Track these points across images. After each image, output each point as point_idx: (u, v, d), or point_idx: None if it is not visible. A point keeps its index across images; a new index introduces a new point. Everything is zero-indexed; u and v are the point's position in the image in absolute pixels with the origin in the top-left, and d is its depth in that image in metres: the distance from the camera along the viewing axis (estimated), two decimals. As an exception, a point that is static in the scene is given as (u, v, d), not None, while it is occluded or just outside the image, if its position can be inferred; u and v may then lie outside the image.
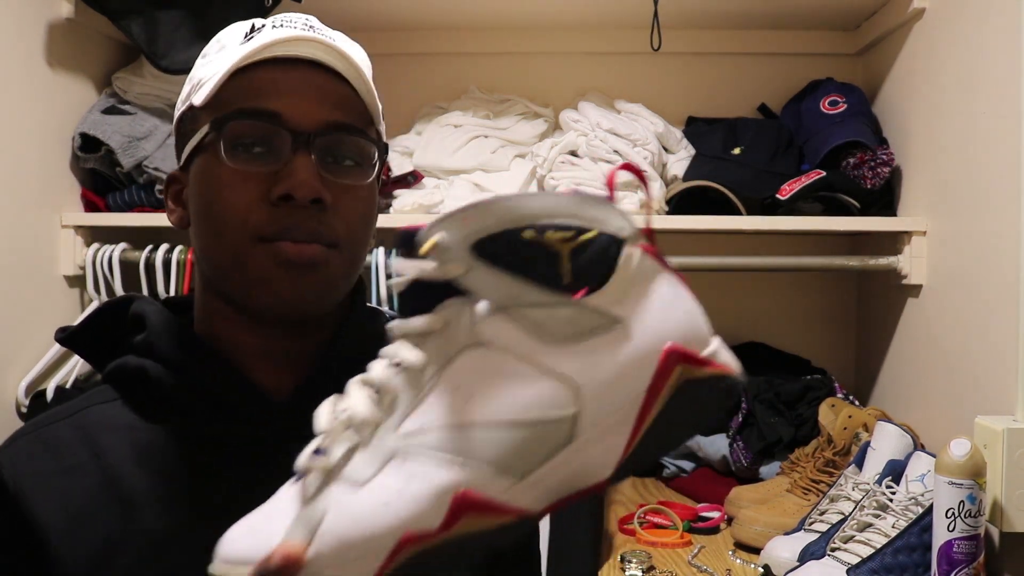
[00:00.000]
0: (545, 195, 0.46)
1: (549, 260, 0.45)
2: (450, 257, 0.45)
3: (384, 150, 0.74)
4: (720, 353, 0.49)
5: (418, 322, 0.47)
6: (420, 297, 0.47)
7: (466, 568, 0.48)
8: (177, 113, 0.76)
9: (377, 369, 0.48)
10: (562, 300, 0.45)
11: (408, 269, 0.46)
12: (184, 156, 0.73)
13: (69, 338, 0.78)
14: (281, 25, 0.72)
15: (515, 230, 0.45)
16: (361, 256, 0.74)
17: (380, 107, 0.75)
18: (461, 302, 0.46)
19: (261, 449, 0.69)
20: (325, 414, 0.48)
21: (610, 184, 0.49)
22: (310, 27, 0.73)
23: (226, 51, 0.72)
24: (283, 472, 0.69)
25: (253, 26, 0.73)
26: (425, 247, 0.45)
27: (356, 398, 0.48)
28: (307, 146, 0.68)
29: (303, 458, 0.48)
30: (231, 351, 0.72)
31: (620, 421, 0.46)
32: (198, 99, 0.70)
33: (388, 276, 1.56)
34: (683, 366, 0.47)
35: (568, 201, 0.46)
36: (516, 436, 0.45)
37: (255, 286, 0.68)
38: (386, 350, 0.48)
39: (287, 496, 0.47)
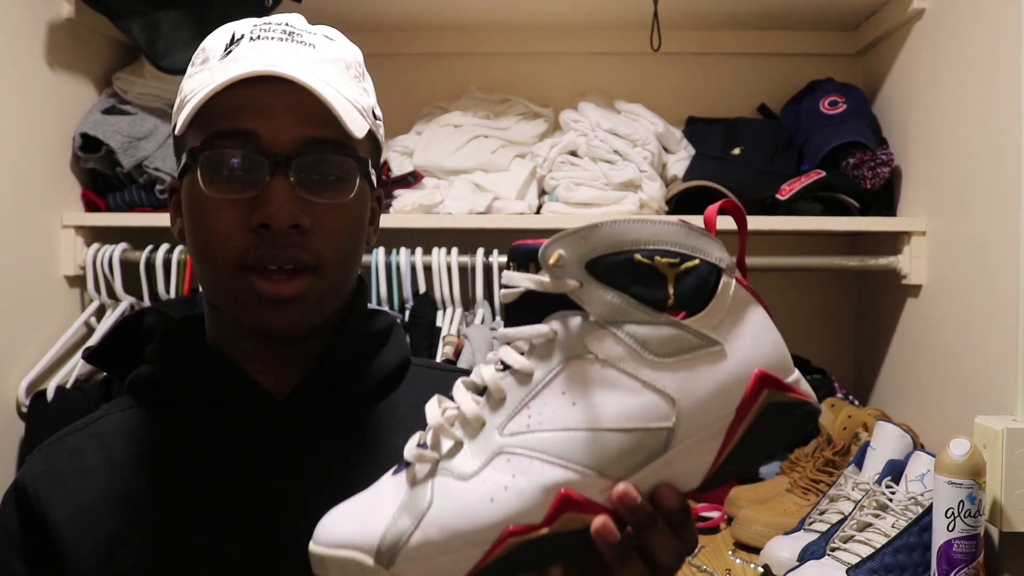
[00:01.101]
0: (655, 222, 0.50)
1: (656, 282, 0.50)
2: (566, 272, 0.49)
3: (366, 163, 0.73)
4: (801, 382, 0.53)
5: (531, 330, 0.51)
6: (528, 309, 0.51)
7: (562, 563, 0.53)
8: (173, 122, 0.76)
9: (486, 371, 0.51)
10: (666, 320, 0.49)
11: (523, 282, 0.50)
12: (178, 171, 0.74)
13: (94, 354, 0.80)
14: (259, 36, 0.71)
15: (627, 252, 0.49)
16: (351, 271, 0.74)
17: (372, 106, 0.74)
18: (571, 315, 0.50)
19: (263, 445, 0.71)
20: (433, 410, 0.52)
21: (710, 219, 0.52)
22: (289, 33, 0.71)
23: (208, 65, 0.71)
24: (282, 465, 0.71)
25: (233, 36, 0.72)
26: (551, 260, 0.49)
27: (463, 397, 0.51)
28: (284, 168, 0.67)
29: (411, 449, 0.51)
30: (234, 354, 0.74)
31: (711, 436, 0.51)
32: (177, 127, 0.70)
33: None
34: (769, 390, 0.51)
35: (676, 230, 0.50)
36: (617, 442, 0.49)
37: (241, 312, 0.70)
38: (493, 355, 0.52)
39: (390, 485, 0.50)
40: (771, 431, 0.52)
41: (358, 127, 0.69)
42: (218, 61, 0.70)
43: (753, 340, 0.51)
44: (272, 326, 0.69)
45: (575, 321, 0.49)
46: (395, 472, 0.51)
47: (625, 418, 0.49)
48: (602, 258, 0.49)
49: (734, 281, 0.51)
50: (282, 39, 0.70)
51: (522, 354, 0.51)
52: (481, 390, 0.52)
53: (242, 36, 0.71)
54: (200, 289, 0.77)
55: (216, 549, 0.69)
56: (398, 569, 0.47)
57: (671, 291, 0.49)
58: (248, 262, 0.67)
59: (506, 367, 0.51)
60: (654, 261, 0.49)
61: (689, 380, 0.49)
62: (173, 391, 0.73)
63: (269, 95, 0.68)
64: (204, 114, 0.68)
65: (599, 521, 0.48)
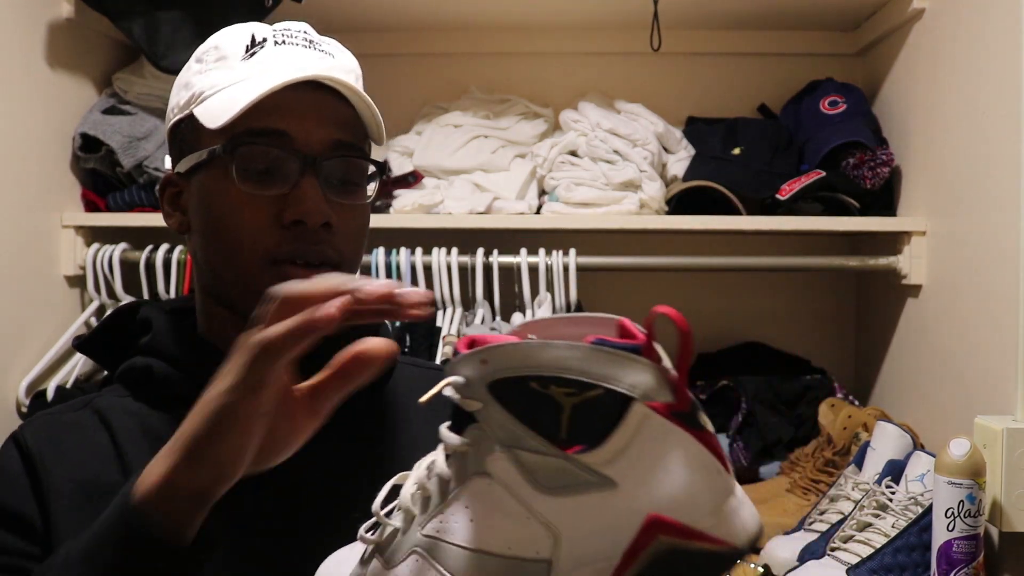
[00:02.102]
0: (560, 347, 0.46)
1: (551, 412, 0.46)
2: (471, 392, 0.48)
3: (382, 167, 0.78)
4: (723, 525, 0.48)
5: (451, 438, 0.49)
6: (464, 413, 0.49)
7: None
8: (172, 118, 0.77)
9: (422, 467, 0.52)
10: (555, 452, 0.47)
11: (443, 386, 0.49)
12: (185, 166, 0.75)
13: (84, 344, 0.83)
14: (283, 41, 0.74)
15: (525, 378, 0.46)
16: (357, 267, 0.78)
17: (381, 121, 0.77)
18: (482, 430, 0.48)
19: None
20: (382, 496, 0.53)
21: (647, 329, 0.48)
22: (309, 41, 0.75)
23: (227, 63, 0.73)
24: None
25: (254, 38, 0.74)
26: (433, 391, 0.49)
27: (406, 489, 0.52)
28: (314, 169, 0.71)
29: (362, 529, 0.53)
30: (228, 347, 0.74)
31: (595, 575, 0.48)
32: (208, 121, 0.71)
33: (388, 276, 1.57)
34: (665, 536, 0.47)
35: (582, 355, 0.46)
36: (498, 568, 0.48)
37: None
38: (435, 453, 0.51)
39: (355, 551, 0.54)
40: None
41: (383, 135, 0.76)
42: (241, 62, 0.73)
43: (657, 479, 0.47)
44: None
45: (483, 438, 0.48)
46: (363, 533, 0.53)
47: (507, 545, 0.47)
48: (503, 380, 0.47)
49: (647, 411, 0.46)
50: (305, 46, 0.75)
51: (448, 457, 0.50)
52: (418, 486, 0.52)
53: (264, 39, 0.74)
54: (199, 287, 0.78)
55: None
56: None
57: (564, 423, 0.46)
58: (280, 256, 0.71)
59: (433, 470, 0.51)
60: (549, 390, 0.46)
61: (575, 515, 0.47)
62: (167, 382, 0.75)
63: (300, 98, 0.71)
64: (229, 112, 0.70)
65: None
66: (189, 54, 0.79)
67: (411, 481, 0.52)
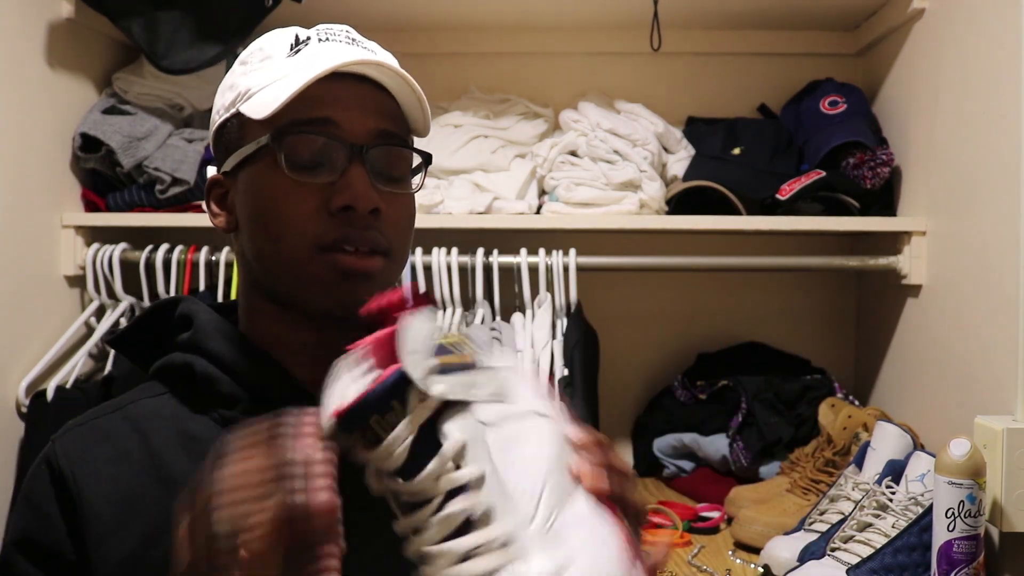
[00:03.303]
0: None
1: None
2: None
3: (428, 158, 0.79)
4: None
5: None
6: None
7: None
8: (217, 120, 0.77)
9: None
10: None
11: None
12: (231, 163, 0.76)
13: (117, 340, 0.83)
14: (327, 39, 0.75)
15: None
16: (406, 259, 0.79)
17: (428, 111, 0.78)
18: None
19: None
20: None
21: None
22: (351, 39, 0.76)
23: (273, 62, 0.74)
24: None
25: (297, 37, 0.76)
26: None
27: None
28: (361, 157, 0.72)
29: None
30: (272, 347, 0.76)
31: None
32: (256, 112, 0.71)
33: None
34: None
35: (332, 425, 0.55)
36: None
37: (314, 291, 0.72)
38: None
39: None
40: None
41: (428, 126, 0.78)
42: (286, 59, 0.74)
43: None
44: (345, 302, 0.71)
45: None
46: None
47: None
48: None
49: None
50: (348, 43, 0.76)
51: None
52: None
53: (308, 38, 0.76)
54: (236, 283, 0.78)
55: None
56: None
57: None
58: (327, 243, 0.71)
59: None
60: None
61: None
62: (208, 381, 0.75)
63: (346, 88, 0.73)
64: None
65: None
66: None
67: None
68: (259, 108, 0.71)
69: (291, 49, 0.75)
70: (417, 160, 0.79)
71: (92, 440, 0.75)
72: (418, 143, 0.80)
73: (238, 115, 0.74)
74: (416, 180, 0.78)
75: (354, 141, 0.72)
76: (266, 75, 0.74)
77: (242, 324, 0.79)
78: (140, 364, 0.82)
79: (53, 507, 0.72)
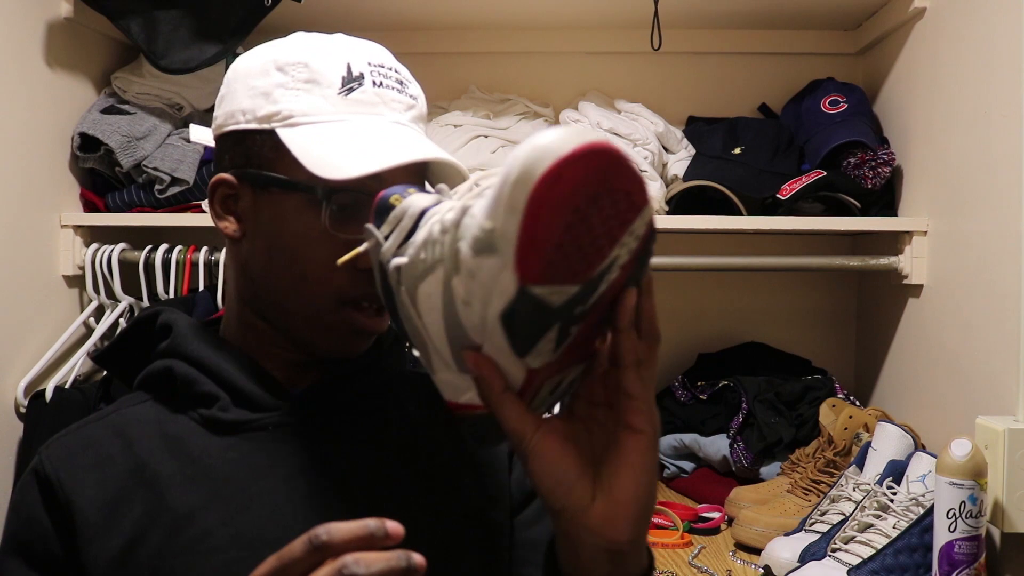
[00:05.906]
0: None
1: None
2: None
3: None
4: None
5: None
6: None
7: None
8: (242, 122, 0.75)
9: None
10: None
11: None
12: (254, 174, 0.74)
13: (102, 356, 0.84)
14: (380, 83, 0.75)
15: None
16: None
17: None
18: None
19: (277, 434, 0.75)
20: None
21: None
22: (400, 82, 0.77)
23: (321, 91, 0.73)
24: (295, 455, 0.74)
25: (349, 69, 0.74)
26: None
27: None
28: None
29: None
30: (252, 352, 0.79)
31: None
32: (321, 171, 0.69)
33: None
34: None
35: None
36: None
37: (322, 337, 0.76)
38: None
39: None
40: None
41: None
42: (338, 95, 0.73)
43: None
44: (347, 351, 0.76)
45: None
46: None
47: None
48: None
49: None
50: (398, 90, 0.76)
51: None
52: None
53: (361, 75, 0.74)
54: (219, 289, 0.79)
55: (239, 532, 0.71)
56: None
57: None
58: (349, 298, 0.74)
59: None
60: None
61: None
62: (186, 381, 0.76)
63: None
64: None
65: None
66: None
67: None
68: (324, 168, 0.69)
69: (343, 84, 0.73)
70: None
71: (77, 448, 0.76)
72: None
73: (273, 133, 0.73)
74: None
75: None
76: (313, 105, 0.72)
77: (225, 330, 0.82)
78: (125, 379, 0.83)
79: (43, 513, 0.73)
